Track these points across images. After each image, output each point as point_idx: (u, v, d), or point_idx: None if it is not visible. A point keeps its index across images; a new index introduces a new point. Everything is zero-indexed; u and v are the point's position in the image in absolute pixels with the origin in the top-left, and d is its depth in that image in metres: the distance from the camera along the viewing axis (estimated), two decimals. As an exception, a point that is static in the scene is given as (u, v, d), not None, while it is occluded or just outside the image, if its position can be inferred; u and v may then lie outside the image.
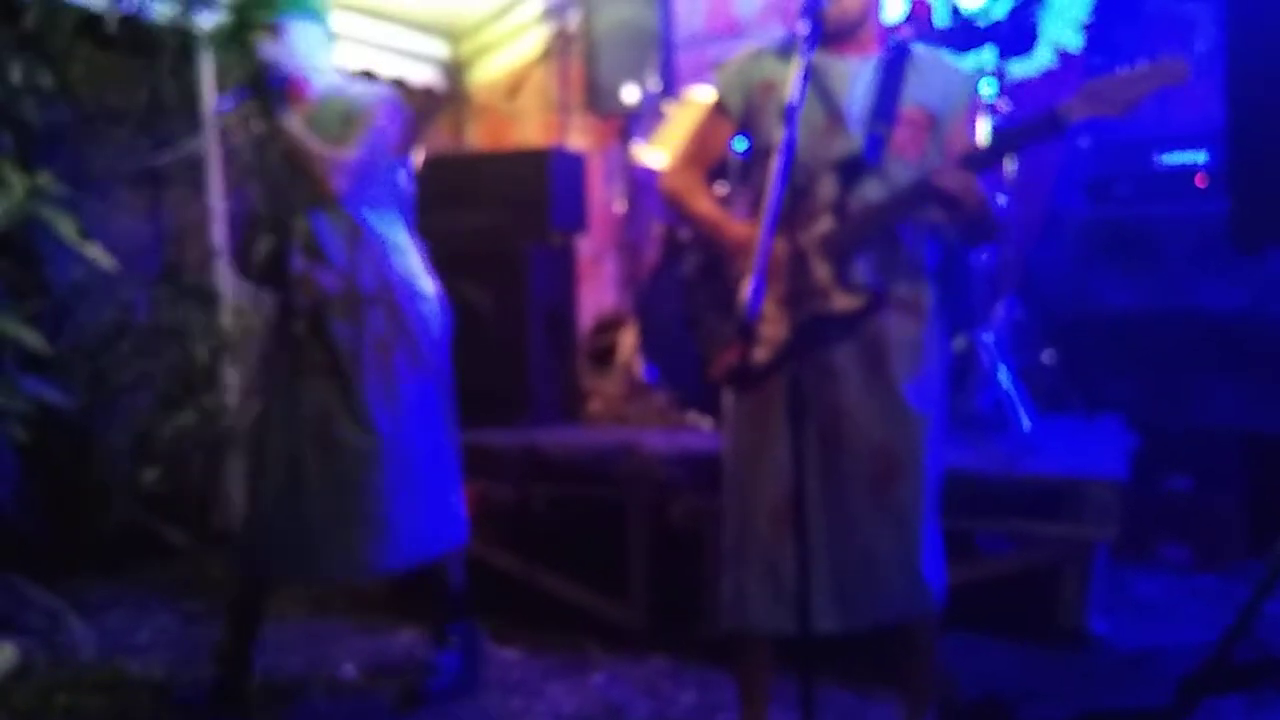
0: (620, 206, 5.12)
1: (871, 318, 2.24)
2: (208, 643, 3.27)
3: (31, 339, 3.20)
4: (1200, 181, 4.05)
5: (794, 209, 2.17)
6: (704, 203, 2.44)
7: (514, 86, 5.97)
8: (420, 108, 5.18)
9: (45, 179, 3.15)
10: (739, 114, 2.38)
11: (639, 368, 4.24)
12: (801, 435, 1.94)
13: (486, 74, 6.03)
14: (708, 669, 3.17)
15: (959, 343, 3.65)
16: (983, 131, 2.35)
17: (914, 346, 2.29)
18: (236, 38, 2.88)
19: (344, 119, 2.83)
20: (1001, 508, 3.05)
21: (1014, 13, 3.97)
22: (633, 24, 5.09)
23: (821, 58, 2.19)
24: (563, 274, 4.44)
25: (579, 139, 5.62)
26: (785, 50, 2.31)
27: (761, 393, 2.28)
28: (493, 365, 3.93)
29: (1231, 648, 2.41)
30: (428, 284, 3.00)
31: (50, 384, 3.34)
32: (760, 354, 2.23)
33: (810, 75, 2.02)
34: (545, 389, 4.24)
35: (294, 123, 2.77)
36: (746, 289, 1.80)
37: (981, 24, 3.99)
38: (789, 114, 1.92)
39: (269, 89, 2.77)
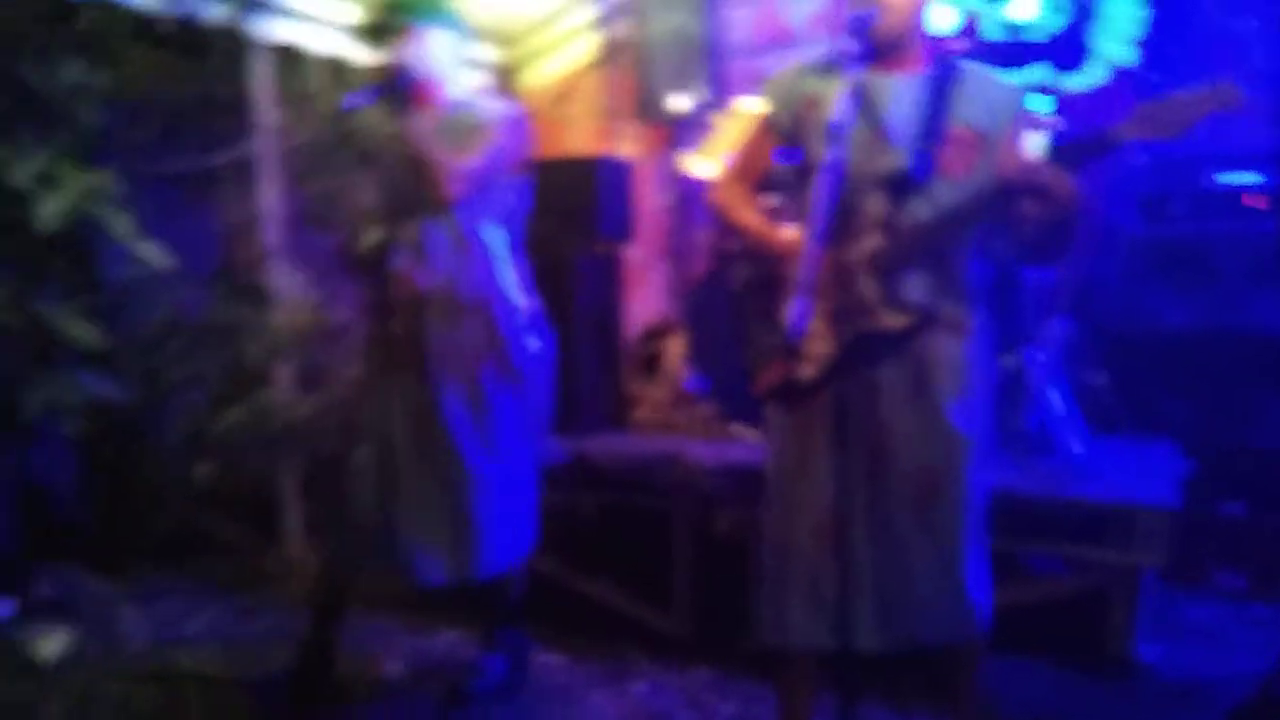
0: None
1: (918, 336, 2.23)
2: (257, 636, 3.30)
3: (87, 335, 3.25)
4: (1256, 201, 3.98)
5: (841, 225, 2.16)
6: (750, 214, 2.45)
7: (564, 93, 5.98)
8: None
9: (100, 178, 3.20)
10: (786, 129, 2.39)
11: (685, 376, 4.24)
12: (845, 452, 1.94)
13: (537, 79, 6.05)
14: (751, 681, 3.17)
15: (1010, 361, 3.61)
16: (1035, 147, 2.32)
17: (959, 366, 2.28)
18: (375, 37, 2.91)
19: (469, 130, 2.85)
20: (1049, 530, 3.03)
21: (1067, 28, 3.93)
22: (683, 33, 5.09)
23: (867, 74, 2.18)
24: (609, 282, 4.45)
25: (629, 146, 5.62)
26: (828, 67, 2.31)
27: (806, 408, 2.28)
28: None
29: (1282, 679, 2.38)
30: (525, 299, 3.03)
31: (105, 379, 3.40)
32: (806, 370, 2.22)
33: (856, 92, 2.02)
34: (592, 397, 4.25)
35: (419, 126, 2.80)
36: (793, 305, 1.80)
37: (1034, 39, 3.95)
38: (835, 132, 1.92)
39: (399, 91, 2.82)
